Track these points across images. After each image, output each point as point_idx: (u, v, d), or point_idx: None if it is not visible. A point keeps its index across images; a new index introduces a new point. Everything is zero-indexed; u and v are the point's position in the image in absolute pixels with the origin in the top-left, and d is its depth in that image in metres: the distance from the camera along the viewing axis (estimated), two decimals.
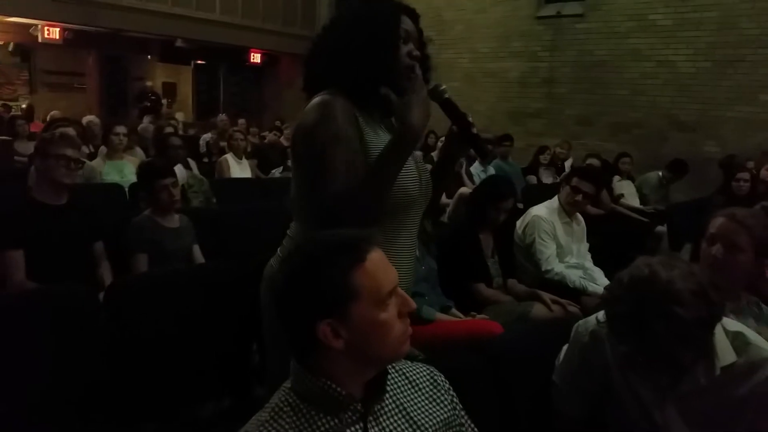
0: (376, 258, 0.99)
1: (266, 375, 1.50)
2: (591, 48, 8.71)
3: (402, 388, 1.10)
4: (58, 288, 2.02)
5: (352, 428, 1.00)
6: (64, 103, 10.90)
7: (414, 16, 1.44)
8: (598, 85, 8.66)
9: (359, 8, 1.43)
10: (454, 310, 2.72)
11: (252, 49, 12.34)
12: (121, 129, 4.38)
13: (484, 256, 3.06)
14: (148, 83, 12.85)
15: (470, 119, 1.41)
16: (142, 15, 9.88)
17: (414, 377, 1.13)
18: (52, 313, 1.87)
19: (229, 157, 5.33)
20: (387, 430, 1.03)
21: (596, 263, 3.37)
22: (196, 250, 2.95)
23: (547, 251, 3.22)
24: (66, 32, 10.12)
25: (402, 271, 1.40)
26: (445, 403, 1.13)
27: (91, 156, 4.78)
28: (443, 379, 1.16)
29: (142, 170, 3.11)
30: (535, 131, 9.00)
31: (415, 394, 1.11)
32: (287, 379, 1.04)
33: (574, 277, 3.15)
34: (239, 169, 5.29)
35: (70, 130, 3.71)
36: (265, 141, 7.96)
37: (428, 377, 1.15)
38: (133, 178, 3.61)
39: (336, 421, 0.99)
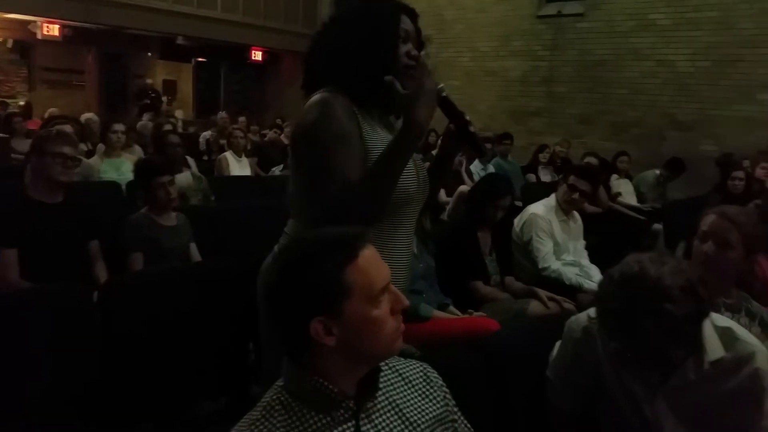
0: (368, 255, 0.99)
1: (262, 374, 1.50)
2: (591, 47, 8.72)
3: (395, 385, 1.10)
4: (52, 287, 2.01)
5: (344, 426, 0.99)
6: (63, 100, 10.91)
7: (413, 15, 1.45)
8: (598, 84, 8.67)
9: (359, 7, 1.44)
10: (451, 308, 2.73)
11: (253, 47, 12.35)
12: (119, 127, 4.38)
13: (482, 254, 3.08)
14: (148, 81, 12.87)
15: (467, 118, 1.41)
16: (142, 12, 9.89)
17: (407, 374, 1.13)
18: (46, 312, 1.87)
19: (229, 154, 5.34)
20: (379, 427, 1.03)
21: (594, 261, 3.38)
22: (193, 248, 2.96)
23: (544, 249, 3.24)
24: (65, 29, 10.12)
25: (399, 269, 1.43)
26: (438, 399, 1.13)
27: (90, 153, 4.79)
28: (436, 375, 1.17)
29: (139, 168, 3.11)
30: (536, 130, 9.01)
31: (408, 391, 1.10)
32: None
33: (570, 274, 3.18)
34: (239, 167, 5.30)
35: (68, 128, 3.71)
36: (266, 139, 7.97)
37: (421, 374, 1.15)
38: (131, 176, 3.62)
39: (328, 418, 0.98)
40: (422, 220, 2.73)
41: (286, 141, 7.41)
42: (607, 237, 3.89)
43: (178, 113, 12.17)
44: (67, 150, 2.51)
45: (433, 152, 5.77)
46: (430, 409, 1.11)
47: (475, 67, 9.90)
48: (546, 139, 7.58)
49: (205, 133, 8.07)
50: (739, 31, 7.46)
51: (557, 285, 3.09)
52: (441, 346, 2.26)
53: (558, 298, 2.88)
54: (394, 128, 1.48)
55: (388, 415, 1.05)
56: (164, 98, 13.04)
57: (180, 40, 11.42)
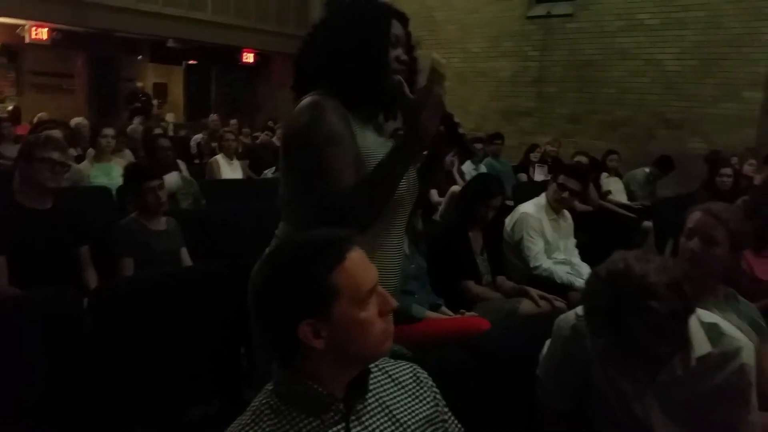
0: (355, 257, 0.99)
1: (255, 377, 1.50)
2: (580, 47, 8.78)
3: (385, 387, 1.10)
4: (42, 293, 2.00)
5: (335, 428, 0.99)
6: (52, 104, 10.84)
7: (404, 19, 1.45)
8: (587, 83, 8.73)
9: (350, 11, 1.44)
10: (443, 308, 2.74)
11: (245, 49, 12.33)
12: (108, 131, 4.36)
13: (474, 254, 3.10)
14: (139, 84, 12.81)
15: (456, 119, 1.42)
16: (132, 15, 9.84)
17: (397, 375, 1.13)
18: (36, 319, 1.85)
19: (220, 157, 5.33)
20: (369, 429, 1.03)
21: (584, 259, 3.41)
22: (184, 253, 2.95)
23: (535, 248, 3.26)
24: (54, 33, 10.07)
25: (391, 270, 1.43)
26: (428, 399, 1.13)
27: (79, 158, 4.76)
28: (426, 376, 1.17)
29: (128, 172, 3.11)
30: (527, 130, 9.06)
31: (398, 392, 1.11)
32: None
33: (561, 272, 3.20)
34: (230, 169, 5.29)
35: (57, 133, 3.69)
36: (258, 141, 7.95)
37: (411, 375, 1.15)
38: (122, 181, 3.61)
39: (318, 421, 0.99)
40: (413, 221, 2.74)
41: (277, 143, 7.39)
42: (597, 235, 3.92)
43: (169, 116, 12.13)
44: (56, 155, 2.49)
45: (424, 153, 5.78)
46: (420, 410, 1.11)
47: (466, 67, 9.93)
48: (537, 139, 7.63)
49: (196, 137, 8.04)
50: (725, 30, 7.55)
51: (548, 284, 3.12)
52: (433, 347, 2.27)
53: (549, 296, 2.90)
54: (385, 130, 1.49)
55: (378, 416, 1.05)
56: (155, 101, 12.97)
57: (170, 43, 11.38)
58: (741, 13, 7.43)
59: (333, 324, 0.96)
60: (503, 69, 9.62)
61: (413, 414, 1.10)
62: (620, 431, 1.48)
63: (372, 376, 1.07)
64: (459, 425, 1.18)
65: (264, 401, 1.01)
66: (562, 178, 3.35)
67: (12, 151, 5.58)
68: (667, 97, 8.08)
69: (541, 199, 3.43)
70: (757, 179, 5.29)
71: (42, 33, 9.93)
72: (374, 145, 1.40)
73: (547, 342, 1.63)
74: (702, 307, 1.48)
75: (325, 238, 1.01)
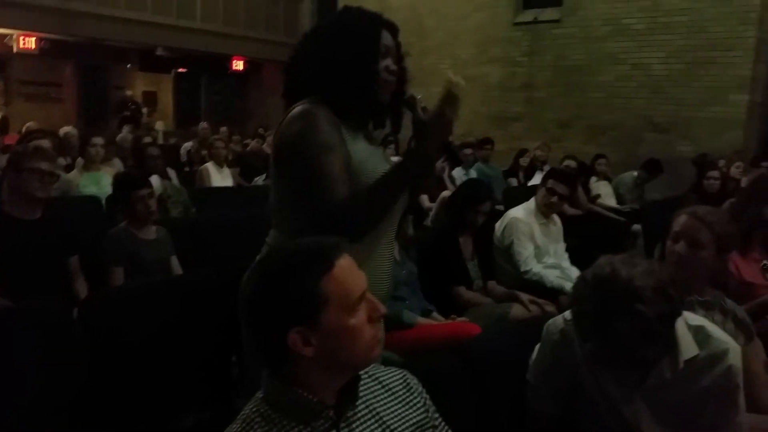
0: (344, 264, 1.00)
1: (245, 385, 1.50)
2: (568, 52, 8.87)
3: (375, 394, 1.10)
4: (31, 304, 1.99)
5: None
6: (41, 113, 10.75)
7: (393, 30, 1.47)
8: (575, 88, 8.81)
9: (341, 21, 1.46)
10: (435, 314, 2.75)
11: (234, 57, 12.34)
12: (98, 140, 4.34)
13: (464, 259, 3.11)
14: (128, 92, 12.77)
15: (422, 104, 1.43)
16: (121, 24, 9.83)
17: (387, 382, 1.13)
18: (25, 329, 1.85)
19: (210, 165, 5.31)
20: None
21: (574, 263, 3.43)
22: (174, 261, 2.94)
23: (525, 252, 3.28)
24: (42, 42, 10.03)
25: (381, 276, 1.44)
26: (418, 406, 1.14)
27: (69, 168, 4.73)
28: (416, 382, 1.17)
29: (117, 181, 3.10)
30: (516, 134, 9.11)
31: (388, 399, 1.11)
32: None
33: (551, 277, 3.21)
34: (220, 177, 5.28)
35: (45, 143, 3.68)
36: (248, 149, 7.94)
37: (401, 381, 1.15)
38: (111, 190, 3.60)
39: (308, 429, 0.99)
40: (404, 227, 2.76)
41: (268, 150, 7.39)
42: (587, 239, 3.94)
43: (159, 124, 12.09)
44: (44, 166, 2.48)
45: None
46: (411, 416, 1.12)
47: (455, 73, 9.98)
48: (526, 144, 7.68)
49: (186, 144, 8.02)
50: (710, 34, 7.65)
51: (539, 288, 3.13)
52: (424, 353, 2.27)
53: (539, 301, 2.92)
54: (375, 139, 1.50)
55: (369, 423, 1.06)
56: (144, 110, 12.93)
57: (160, 51, 11.36)
58: (725, 17, 7.54)
59: (322, 331, 0.96)
60: (492, 74, 9.68)
61: (403, 420, 1.10)
62: None
63: (362, 382, 1.07)
64: (449, 430, 1.19)
65: (254, 409, 1.01)
66: (550, 183, 3.38)
67: (0, 161, 5.55)
68: (654, 101, 8.17)
69: (531, 203, 3.45)
70: (744, 181, 5.35)
71: (30, 42, 9.90)
72: (365, 153, 1.41)
73: (537, 346, 1.64)
74: (689, 310, 1.49)
75: (314, 246, 1.02)
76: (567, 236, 3.59)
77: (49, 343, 1.87)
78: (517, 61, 9.44)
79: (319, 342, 0.97)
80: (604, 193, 6.06)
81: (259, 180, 5.92)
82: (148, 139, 7.16)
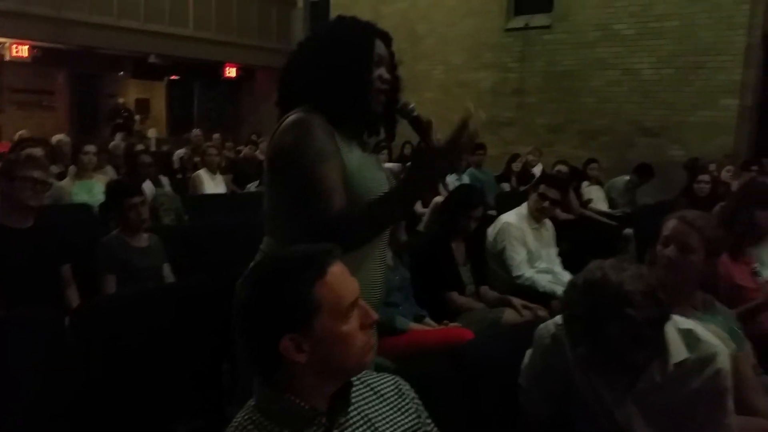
0: (336, 271, 1.00)
1: (237, 393, 1.50)
2: (559, 58, 8.93)
3: (367, 400, 1.10)
4: (23, 313, 1.99)
5: None
6: (33, 122, 10.74)
7: (387, 39, 1.48)
8: (566, 93, 8.87)
9: (334, 30, 1.47)
10: (427, 320, 2.75)
11: (227, 64, 12.34)
12: (90, 148, 4.34)
13: (456, 264, 3.11)
14: (121, 100, 12.74)
15: (438, 136, 1.44)
16: (113, 32, 9.82)
17: (379, 388, 1.14)
18: (17, 338, 1.84)
19: (203, 172, 5.31)
20: None
21: (567, 267, 3.44)
22: (167, 269, 2.94)
23: (518, 257, 3.29)
24: (35, 50, 10.01)
25: (374, 282, 1.44)
26: (410, 411, 1.14)
27: (61, 176, 4.72)
28: (408, 388, 1.18)
29: (110, 189, 3.10)
30: (509, 140, 9.15)
31: (381, 405, 1.11)
32: None
33: (543, 281, 3.23)
34: (213, 184, 5.27)
35: (37, 151, 3.68)
36: (241, 155, 7.94)
37: (393, 387, 1.16)
38: (103, 198, 3.59)
39: None
40: (397, 232, 2.76)
41: (261, 157, 7.38)
42: (579, 243, 3.95)
43: (152, 132, 12.06)
44: (36, 174, 2.48)
45: (408, 164, 5.81)
46: (403, 422, 1.12)
47: (447, 79, 10.05)
48: (518, 149, 7.72)
49: (179, 151, 8.01)
50: (700, 39, 7.74)
51: (531, 293, 3.14)
52: (418, 358, 2.28)
53: (532, 306, 2.93)
54: (368, 146, 1.51)
55: (361, 430, 1.06)
56: (137, 117, 12.91)
57: (152, 59, 11.35)
58: (714, 22, 7.62)
59: (315, 338, 0.97)
60: (484, 80, 9.74)
61: (396, 426, 1.10)
62: None
63: (354, 389, 1.07)
64: None
65: (247, 417, 1.02)
66: (542, 188, 3.40)
67: None
68: (645, 105, 8.23)
69: (523, 208, 3.47)
70: (735, 185, 5.39)
71: (23, 50, 9.87)
72: (360, 161, 1.42)
73: (529, 351, 1.65)
74: (680, 314, 1.51)
75: (306, 253, 1.02)
76: (559, 241, 3.61)
77: (42, 352, 1.86)
78: (508, 66, 9.50)
79: (311, 348, 0.97)
80: (596, 197, 6.09)
81: (252, 187, 5.92)
82: (140, 147, 7.15)
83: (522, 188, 6.33)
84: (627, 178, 6.37)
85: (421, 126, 1.42)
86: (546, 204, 3.38)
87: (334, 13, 10.96)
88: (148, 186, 3.96)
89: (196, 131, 8.41)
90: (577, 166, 6.36)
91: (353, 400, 1.07)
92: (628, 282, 1.29)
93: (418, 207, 4.67)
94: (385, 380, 1.16)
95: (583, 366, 1.46)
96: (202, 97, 13.98)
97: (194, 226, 3.85)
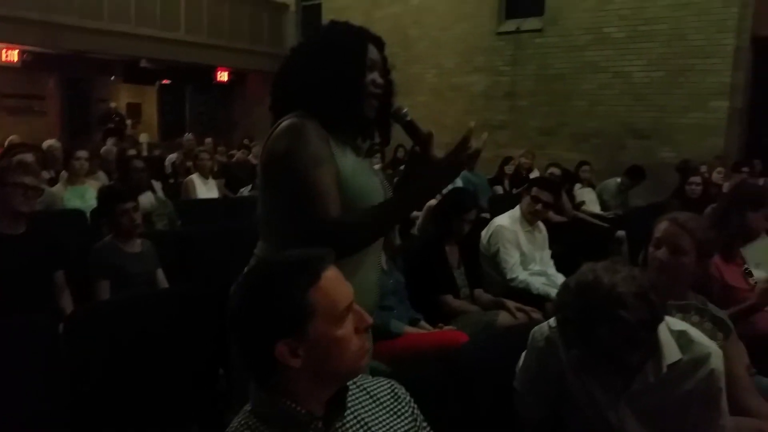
0: (330, 276, 1.01)
1: (233, 398, 1.50)
2: (550, 61, 8.98)
3: (363, 404, 1.11)
4: (16, 319, 1.98)
5: None
6: (24, 127, 10.64)
7: (379, 44, 1.49)
8: (558, 97, 8.92)
9: (327, 35, 1.47)
10: (422, 323, 2.76)
11: (219, 68, 12.32)
12: (82, 153, 4.32)
13: (450, 268, 3.12)
14: (112, 104, 12.68)
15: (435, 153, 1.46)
16: (104, 36, 9.77)
17: (375, 392, 1.14)
18: (10, 345, 1.83)
19: (195, 177, 5.29)
20: None
21: (560, 269, 3.46)
22: (160, 274, 2.93)
23: (511, 260, 3.31)
24: (25, 54, 9.95)
25: (369, 286, 1.45)
26: (406, 415, 1.14)
27: (53, 181, 4.69)
28: (404, 391, 1.18)
29: (102, 195, 3.09)
30: (501, 142, 9.18)
31: (376, 409, 1.11)
32: None
33: (537, 284, 3.24)
34: (206, 189, 5.26)
35: (29, 157, 3.66)
36: (233, 159, 7.92)
37: (389, 391, 1.16)
38: (96, 203, 3.57)
39: None
40: (391, 236, 2.77)
41: (254, 161, 7.38)
42: (572, 246, 3.97)
43: (143, 136, 12.02)
44: (28, 180, 2.48)
45: (401, 167, 5.83)
46: (399, 426, 1.12)
47: (440, 83, 10.09)
48: (511, 152, 7.74)
49: (171, 156, 7.97)
50: (689, 42, 7.81)
51: (525, 295, 3.15)
52: (413, 362, 2.28)
53: (526, 308, 2.94)
54: (362, 151, 1.52)
55: None
56: (128, 122, 12.85)
57: (143, 63, 11.31)
58: (704, 25, 7.70)
59: (310, 342, 0.97)
60: (476, 83, 9.78)
61: (392, 430, 1.11)
62: None
63: (350, 393, 1.07)
64: None
65: (243, 422, 1.02)
66: (535, 191, 3.42)
67: None
68: (636, 108, 8.29)
69: (516, 211, 3.48)
70: (726, 187, 5.44)
71: (12, 55, 9.81)
72: (354, 166, 1.42)
73: (523, 353, 1.65)
74: (672, 315, 1.52)
75: (300, 258, 1.03)
76: (552, 243, 3.62)
77: (36, 359, 1.85)
78: (500, 70, 9.55)
79: (306, 353, 0.97)
80: (589, 199, 6.12)
81: (245, 191, 5.90)
82: (132, 152, 7.12)
83: (515, 191, 6.35)
84: (619, 180, 6.41)
85: (416, 131, 1.44)
86: (539, 207, 3.40)
87: (326, 17, 11.01)
88: (147, 196, 3.93)
89: (188, 136, 8.39)
90: (569, 169, 6.39)
91: (349, 404, 1.07)
92: (620, 284, 1.30)
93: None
94: (380, 384, 1.17)
95: (577, 368, 1.47)
96: (193, 102, 13.94)
97: (187, 231, 3.83)
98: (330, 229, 1.31)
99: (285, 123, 1.39)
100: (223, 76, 12.55)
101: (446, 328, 2.72)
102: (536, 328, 1.60)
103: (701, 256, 1.78)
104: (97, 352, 1.95)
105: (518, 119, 9.39)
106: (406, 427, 1.13)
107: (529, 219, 3.44)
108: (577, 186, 6.20)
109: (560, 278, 3.35)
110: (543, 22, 9.05)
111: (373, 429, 1.08)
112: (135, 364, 1.99)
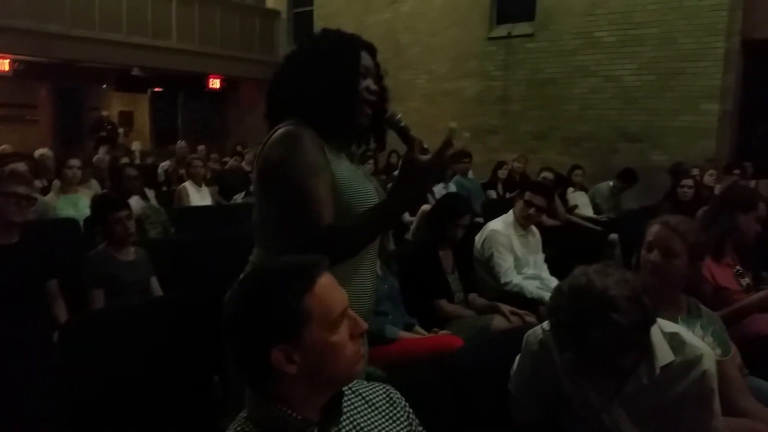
0: (325, 282, 1.01)
1: (229, 405, 1.50)
2: (541, 66, 9.03)
3: (358, 409, 1.11)
4: (10, 328, 1.98)
5: None
6: (16, 136, 10.60)
7: (372, 50, 1.50)
8: (549, 101, 8.96)
9: (320, 43, 1.49)
10: (417, 328, 2.76)
11: (211, 75, 12.30)
12: (74, 162, 4.31)
13: (445, 272, 3.13)
14: (104, 113, 12.63)
15: (425, 146, 1.46)
16: (96, 45, 9.76)
17: (370, 397, 1.14)
18: (5, 354, 1.83)
19: (188, 184, 5.28)
20: None
21: (554, 273, 3.47)
22: (154, 282, 2.92)
23: (505, 264, 3.32)
24: (16, 64, 9.91)
25: (364, 292, 1.46)
26: (401, 420, 1.15)
27: (45, 190, 4.67)
28: (399, 396, 1.18)
29: (95, 203, 3.08)
30: (494, 147, 9.23)
31: (372, 414, 1.12)
32: None
33: (531, 287, 3.25)
34: (199, 196, 5.25)
35: (21, 166, 3.65)
36: (226, 167, 7.91)
37: (384, 396, 1.16)
38: (89, 212, 3.56)
39: None
40: (385, 242, 2.78)
41: (247, 168, 7.37)
42: (565, 249, 3.99)
43: (136, 144, 12.00)
44: (20, 190, 2.48)
45: (395, 173, 5.85)
46: (395, 430, 1.13)
47: (432, 88, 10.12)
48: (503, 156, 7.79)
49: (163, 164, 7.96)
50: (680, 45, 7.86)
51: (519, 299, 3.16)
52: (408, 367, 2.28)
53: (520, 312, 2.95)
54: (356, 157, 1.53)
55: None
56: (121, 130, 12.82)
57: (135, 71, 11.30)
58: (694, 29, 7.76)
59: (305, 348, 0.97)
60: (468, 88, 9.81)
61: None
62: None
63: (345, 398, 1.08)
64: None
65: (238, 429, 1.02)
66: (528, 195, 3.44)
67: None
68: (627, 111, 8.34)
69: (509, 216, 3.50)
70: (718, 189, 5.48)
71: (4, 64, 9.77)
72: (348, 173, 1.43)
73: (518, 357, 1.66)
74: (666, 319, 1.53)
75: (295, 264, 1.03)
76: (546, 247, 3.64)
77: (31, 368, 1.84)
78: (492, 75, 9.59)
79: (302, 359, 0.97)
80: (581, 203, 6.15)
81: (238, 198, 5.90)
82: (125, 160, 7.10)
83: (508, 195, 6.37)
84: (611, 183, 6.44)
85: (409, 137, 1.45)
86: (532, 211, 3.42)
87: (317, 24, 11.02)
88: (136, 201, 3.94)
89: (180, 143, 8.38)
90: (561, 173, 6.42)
91: (345, 410, 1.07)
92: (612, 287, 1.31)
93: (406, 216, 4.68)
94: (376, 389, 1.17)
95: (571, 370, 1.48)
96: (186, 109, 13.92)
97: (181, 239, 3.83)
98: (324, 235, 1.32)
99: (280, 131, 1.40)
100: (215, 83, 12.54)
101: (441, 332, 2.72)
102: (530, 331, 1.61)
103: (693, 258, 1.79)
104: (91, 361, 1.94)
105: (510, 124, 9.43)
106: None
107: (523, 223, 3.45)
108: (570, 190, 6.23)
109: (554, 282, 3.36)
110: (534, 27, 9.11)
111: None
112: (130, 373, 1.98)
